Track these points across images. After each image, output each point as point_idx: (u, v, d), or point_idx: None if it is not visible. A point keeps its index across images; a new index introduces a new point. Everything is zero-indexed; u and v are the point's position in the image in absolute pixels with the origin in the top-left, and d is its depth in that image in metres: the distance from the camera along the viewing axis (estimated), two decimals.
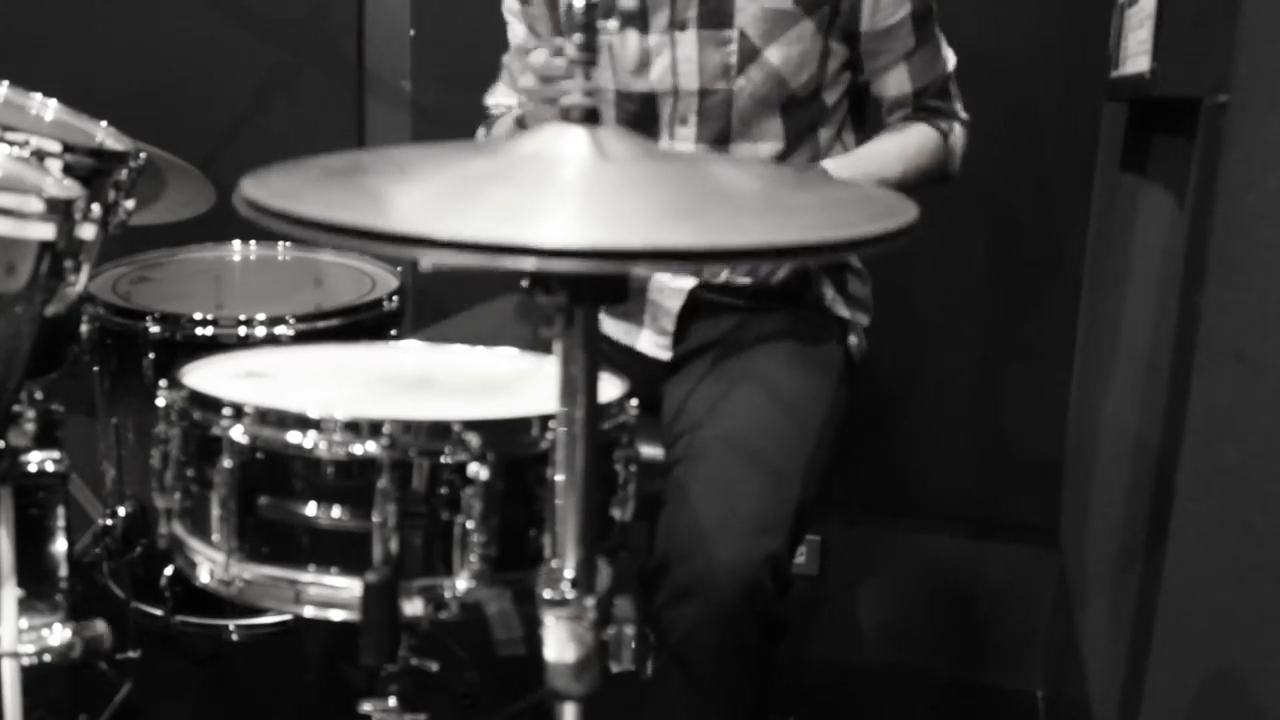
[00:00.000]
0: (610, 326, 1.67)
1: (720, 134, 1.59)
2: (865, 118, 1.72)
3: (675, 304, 1.62)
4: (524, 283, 0.79)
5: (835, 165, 1.57)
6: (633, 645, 0.91)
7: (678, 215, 0.76)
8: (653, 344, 1.64)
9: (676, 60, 1.57)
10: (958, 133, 1.68)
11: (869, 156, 1.62)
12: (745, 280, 1.62)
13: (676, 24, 1.56)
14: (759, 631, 1.30)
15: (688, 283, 1.62)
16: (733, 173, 0.93)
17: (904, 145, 1.64)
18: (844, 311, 1.67)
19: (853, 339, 1.69)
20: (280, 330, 1.75)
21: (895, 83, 1.64)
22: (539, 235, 0.68)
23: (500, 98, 1.78)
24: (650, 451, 1.46)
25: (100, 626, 1.45)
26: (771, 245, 0.70)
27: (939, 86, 1.66)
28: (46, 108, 1.48)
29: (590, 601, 0.86)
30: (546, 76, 1.41)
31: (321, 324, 1.78)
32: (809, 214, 0.82)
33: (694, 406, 1.50)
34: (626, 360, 1.62)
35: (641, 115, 1.61)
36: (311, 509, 1.06)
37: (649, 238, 0.69)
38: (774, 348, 1.57)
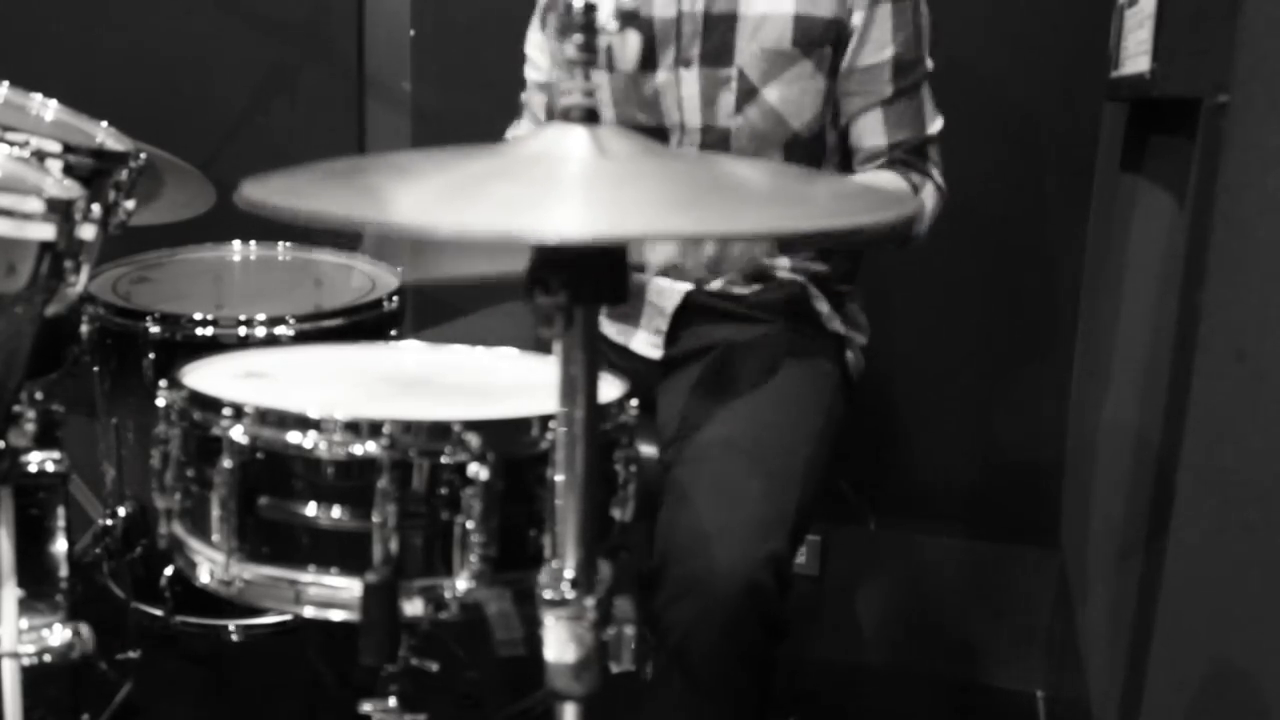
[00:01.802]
0: (606, 326, 1.67)
1: None
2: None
3: (670, 304, 1.63)
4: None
5: None
6: (633, 645, 0.91)
7: (678, 205, 0.77)
8: (646, 343, 1.65)
9: (681, 97, 1.59)
10: (929, 192, 1.61)
11: None
12: (743, 290, 1.63)
13: (681, 61, 1.58)
14: (760, 632, 1.30)
15: (685, 286, 1.63)
16: (731, 167, 0.93)
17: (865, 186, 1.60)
18: (840, 328, 1.67)
19: (849, 355, 1.69)
20: (280, 330, 1.75)
21: (870, 129, 1.60)
22: (542, 226, 0.68)
23: (522, 132, 1.78)
24: (647, 450, 1.46)
25: (83, 630, 1.44)
26: (768, 230, 0.71)
27: (915, 145, 1.61)
28: (46, 108, 1.48)
29: (590, 601, 0.86)
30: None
31: (321, 324, 1.78)
32: (806, 205, 0.82)
33: (692, 409, 1.50)
34: (621, 360, 1.63)
35: None
36: (311, 509, 1.06)
37: (650, 225, 0.70)
38: (771, 354, 1.57)
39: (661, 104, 1.61)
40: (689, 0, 1.56)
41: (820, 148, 1.63)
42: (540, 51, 1.74)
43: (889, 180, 1.59)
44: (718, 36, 1.56)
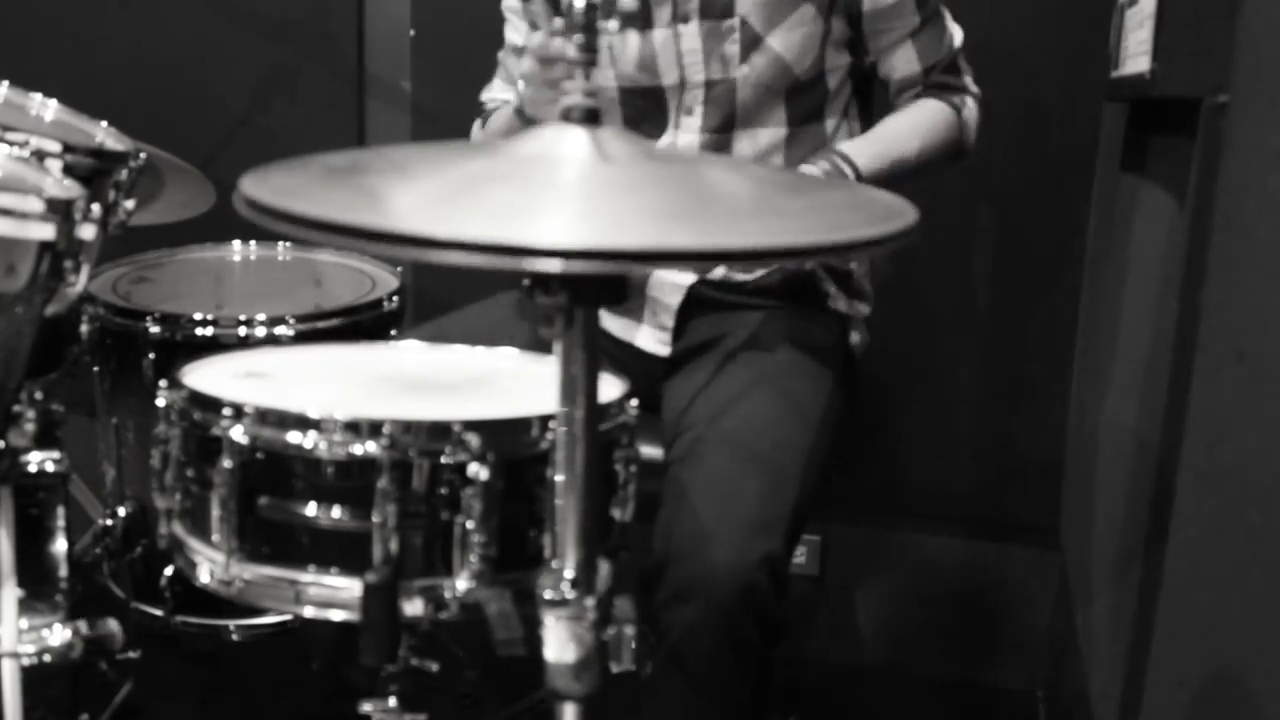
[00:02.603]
0: (610, 323, 1.67)
1: (725, 122, 1.60)
2: (871, 102, 1.71)
3: (674, 300, 1.62)
4: (525, 282, 0.79)
5: (853, 148, 1.56)
6: (633, 645, 0.91)
7: (675, 217, 0.76)
8: (652, 340, 1.65)
9: (681, 53, 1.58)
10: (970, 106, 1.66)
11: (886, 135, 1.61)
12: (743, 276, 1.62)
13: (679, 17, 1.57)
14: (757, 632, 1.30)
15: (687, 279, 1.63)
16: (731, 175, 0.93)
17: (916, 121, 1.62)
18: (845, 307, 1.67)
19: (854, 335, 1.69)
20: (280, 330, 1.75)
21: (903, 62, 1.63)
22: (538, 236, 0.68)
23: (496, 93, 1.78)
24: (650, 451, 1.46)
25: (112, 625, 1.45)
26: (765, 247, 0.71)
27: (948, 62, 1.64)
28: (46, 108, 1.48)
29: (590, 601, 0.86)
30: (545, 59, 1.41)
31: (321, 324, 1.78)
32: (803, 217, 0.82)
33: (692, 405, 1.50)
34: (626, 357, 1.63)
35: (648, 109, 1.61)
36: (311, 509, 1.06)
37: (646, 239, 0.70)
38: (773, 346, 1.57)
39: (658, 63, 1.60)
40: None
41: (823, 94, 1.63)
42: (515, 14, 1.74)
43: (933, 110, 1.63)
44: None
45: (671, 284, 1.63)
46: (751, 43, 1.56)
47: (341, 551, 1.06)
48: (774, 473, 1.38)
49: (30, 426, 1.41)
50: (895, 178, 1.57)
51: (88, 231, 1.31)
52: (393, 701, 1.20)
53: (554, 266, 0.68)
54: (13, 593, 1.38)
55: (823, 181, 1.39)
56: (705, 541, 1.29)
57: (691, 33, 1.57)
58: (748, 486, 1.35)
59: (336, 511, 1.06)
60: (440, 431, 1.04)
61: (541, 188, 0.78)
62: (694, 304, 1.63)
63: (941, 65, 1.64)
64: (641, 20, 1.58)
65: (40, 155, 1.26)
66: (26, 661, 1.38)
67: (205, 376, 1.19)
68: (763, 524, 1.31)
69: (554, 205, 0.76)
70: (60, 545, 1.47)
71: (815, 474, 1.43)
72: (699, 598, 1.28)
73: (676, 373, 1.60)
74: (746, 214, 0.81)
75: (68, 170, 1.28)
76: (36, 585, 1.43)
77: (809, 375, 1.55)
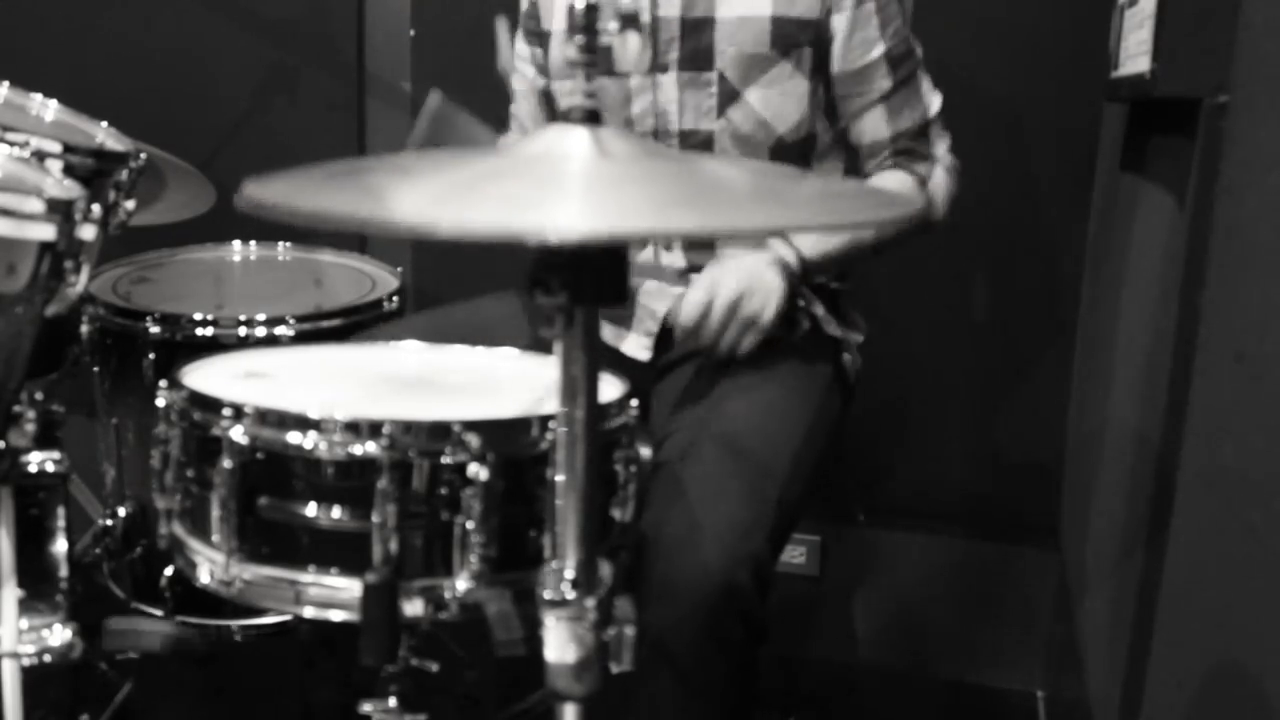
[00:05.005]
0: (602, 329, 1.67)
1: None
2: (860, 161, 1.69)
3: (662, 307, 1.62)
4: (525, 286, 0.79)
5: (806, 238, 1.53)
6: (633, 646, 0.91)
7: (675, 204, 0.77)
8: (636, 345, 1.65)
9: (658, 102, 1.58)
10: (938, 177, 1.62)
11: None
12: None
13: (658, 66, 1.57)
14: (740, 632, 1.30)
15: (678, 287, 1.62)
16: (727, 169, 0.93)
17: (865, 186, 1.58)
18: (836, 331, 1.67)
19: (846, 356, 1.68)
20: (280, 330, 1.75)
21: (871, 127, 1.60)
22: (543, 223, 0.68)
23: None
24: (644, 452, 1.45)
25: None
26: (761, 228, 0.71)
27: (917, 130, 1.61)
28: (47, 108, 1.48)
29: (590, 602, 0.86)
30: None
31: (321, 324, 1.78)
32: (804, 205, 0.82)
33: (680, 408, 1.50)
34: (614, 363, 1.63)
35: None
36: (311, 509, 1.06)
37: (648, 224, 0.70)
38: (763, 353, 1.56)
39: (632, 110, 1.60)
40: (665, 4, 1.55)
41: (809, 150, 1.62)
42: (524, 61, 1.74)
43: (895, 183, 1.60)
44: (697, 40, 1.55)
45: (662, 292, 1.63)
46: (729, 97, 1.56)
47: (341, 551, 1.06)
48: (759, 474, 1.38)
49: (30, 426, 1.41)
50: (850, 258, 1.58)
51: (88, 232, 1.32)
52: (393, 701, 1.20)
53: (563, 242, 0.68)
54: (13, 593, 1.38)
55: (814, 176, 1.38)
56: (688, 541, 1.29)
57: (669, 83, 1.57)
58: (732, 487, 1.35)
59: (336, 512, 1.06)
60: (440, 431, 1.04)
61: (544, 182, 0.78)
62: None
63: (911, 132, 1.60)
64: (639, 24, 1.57)
65: (40, 155, 1.26)
66: (26, 661, 1.38)
67: (205, 377, 1.19)
68: (747, 525, 1.31)
69: (557, 196, 0.76)
70: (60, 545, 1.47)
71: (803, 476, 1.43)
72: (682, 597, 1.28)
73: (665, 378, 1.60)
74: (741, 201, 0.81)
75: (68, 170, 1.28)
76: (36, 585, 1.43)
77: (798, 380, 1.55)
